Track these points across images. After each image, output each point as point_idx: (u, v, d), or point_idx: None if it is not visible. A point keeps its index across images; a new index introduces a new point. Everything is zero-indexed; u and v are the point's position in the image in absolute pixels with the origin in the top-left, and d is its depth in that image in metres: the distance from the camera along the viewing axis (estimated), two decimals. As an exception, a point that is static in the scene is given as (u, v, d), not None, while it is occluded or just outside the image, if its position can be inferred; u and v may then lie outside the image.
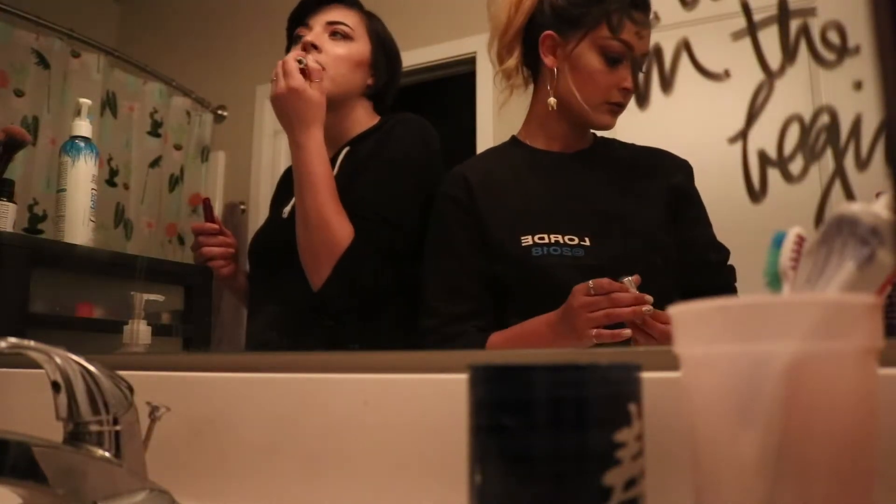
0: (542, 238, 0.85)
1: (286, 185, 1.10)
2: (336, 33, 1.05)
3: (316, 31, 1.05)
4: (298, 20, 1.08)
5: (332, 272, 0.93)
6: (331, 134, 0.99)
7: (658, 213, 0.87)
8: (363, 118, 1.08)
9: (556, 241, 0.84)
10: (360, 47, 1.06)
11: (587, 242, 0.83)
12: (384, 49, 1.08)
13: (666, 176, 0.89)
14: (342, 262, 0.93)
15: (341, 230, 0.93)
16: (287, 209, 1.05)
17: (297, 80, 0.95)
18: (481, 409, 0.38)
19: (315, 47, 1.03)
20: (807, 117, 0.57)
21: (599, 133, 0.93)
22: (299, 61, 0.96)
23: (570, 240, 0.84)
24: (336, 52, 1.04)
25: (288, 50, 1.09)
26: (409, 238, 0.96)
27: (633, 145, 0.92)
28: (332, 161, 1.01)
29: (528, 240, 0.85)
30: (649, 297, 0.76)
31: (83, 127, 1.26)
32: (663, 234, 0.86)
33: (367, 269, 0.94)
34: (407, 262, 0.95)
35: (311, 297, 0.94)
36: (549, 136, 0.94)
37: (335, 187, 0.95)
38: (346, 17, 1.07)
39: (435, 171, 1.00)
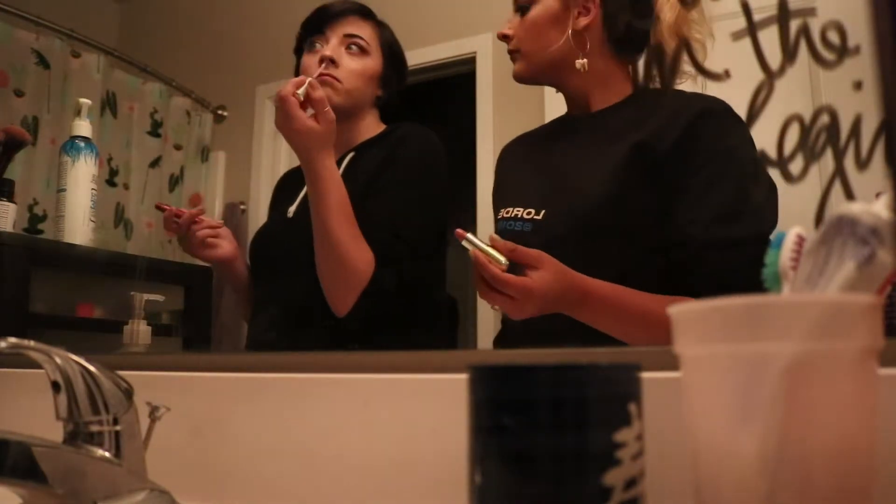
0: (508, 212, 0.83)
1: (287, 188, 1.10)
2: (353, 46, 1.05)
3: (333, 43, 1.05)
4: (315, 28, 1.07)
5: (356, 303, 0.92)
6: (337, 141, 0.99)
7: (615, 177, 0.76)
8: (370, 125, 1.09)
9: (515, 216, 0.82)
10: (374, 62, 1.07)
11: (539, 217, 0.79)
12: (394, 63, 1.09)
13: (645, 131, 0.75)
14: (366, 295, 0.92)
15: (362, 260, 0.92)
16: (292, 209, 1.05)
17: (298, 121, 0.89)
18: (481, 409, 0.38)
19: (332, 61, 1.03)
20: (807, 117, 0.57)
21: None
22: (300, 93, 0.90)
23: (528, 213, 0.81)
24: (352, 67, 1.05)
25: (298, 52, 1.09)
26: (423, 252, 0.96)
27: (674, 95, 0.76)
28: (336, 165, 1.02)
29: (501, 213, 0.84)
30: None
31: (83, 127, 1.26)
32: (619, 206, 0.75)
33: (388, 293, 0.95)
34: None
35: (316, 299, 0.94)
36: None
37: (352, 212, 0.94)
38: (362, 29, 1.07)
39: (444, 182, 1.02)
